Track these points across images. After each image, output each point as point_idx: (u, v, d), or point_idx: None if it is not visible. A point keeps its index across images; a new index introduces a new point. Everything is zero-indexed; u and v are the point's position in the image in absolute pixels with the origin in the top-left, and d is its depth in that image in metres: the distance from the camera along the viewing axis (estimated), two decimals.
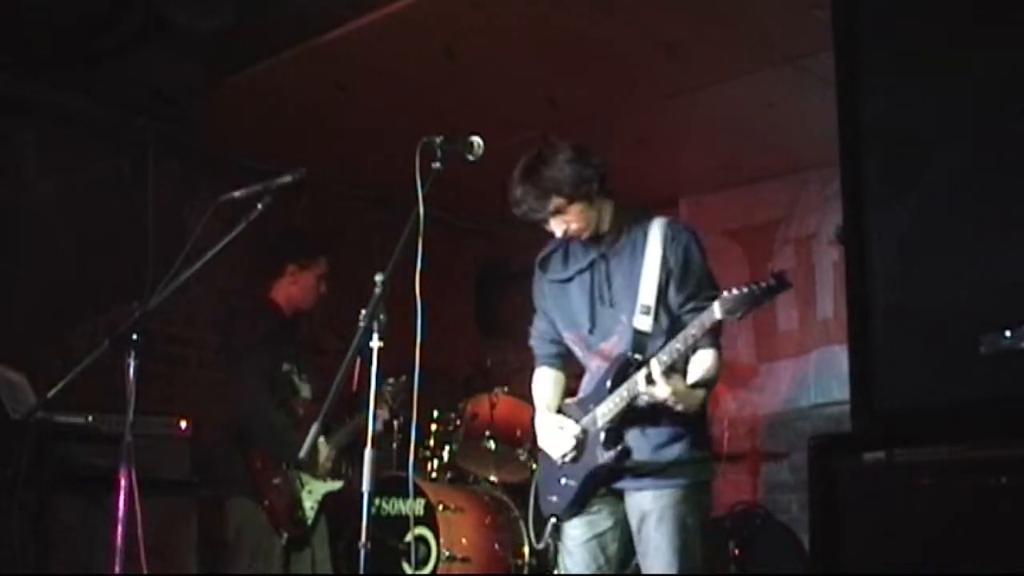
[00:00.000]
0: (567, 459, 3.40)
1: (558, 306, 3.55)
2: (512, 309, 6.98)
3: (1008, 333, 1.79)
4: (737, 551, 5.25)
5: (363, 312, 2.85)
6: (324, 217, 6.37)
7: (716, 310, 3.03)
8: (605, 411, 3.30)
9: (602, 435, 3.30)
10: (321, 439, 4.59)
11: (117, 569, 3.17)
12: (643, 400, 3.22)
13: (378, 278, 2.87)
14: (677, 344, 3.12)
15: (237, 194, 3.33)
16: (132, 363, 3.23)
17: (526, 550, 4.92)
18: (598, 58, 4.89)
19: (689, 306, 3.27)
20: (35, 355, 4.82)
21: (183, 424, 4.63)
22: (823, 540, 2.01)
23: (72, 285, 5.37)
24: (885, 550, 1.91)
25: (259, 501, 4.47)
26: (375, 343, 2.84)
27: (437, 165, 3.00)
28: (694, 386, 3.27)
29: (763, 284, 2.99)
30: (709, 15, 4.46)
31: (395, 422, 5.02)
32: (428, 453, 5.35)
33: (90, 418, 4.23)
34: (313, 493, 4.56)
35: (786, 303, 6.22)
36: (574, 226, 3.38)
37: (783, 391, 6.19)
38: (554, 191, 3.32)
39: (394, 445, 5.14)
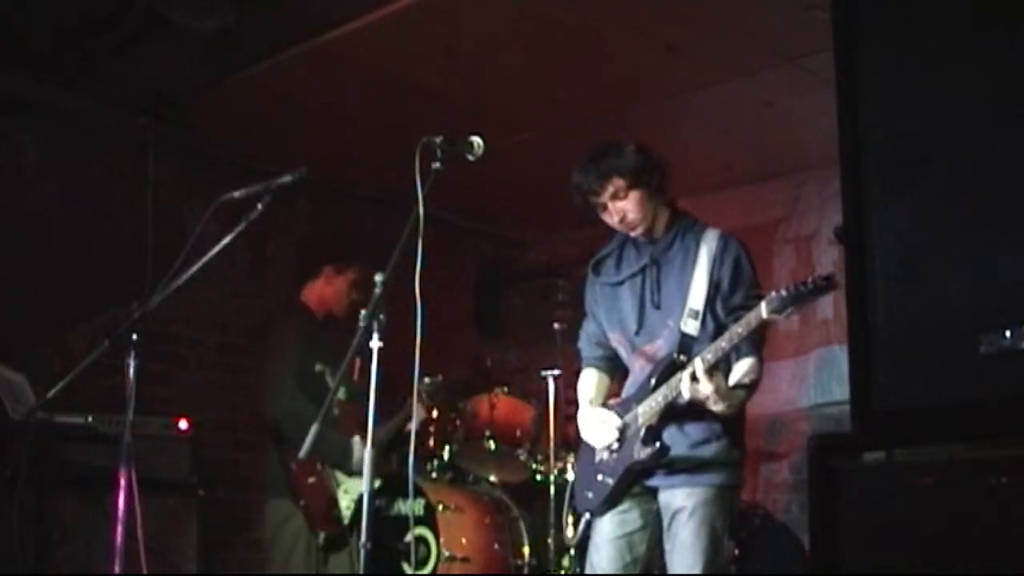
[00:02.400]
0: (610, 450, 3.46)
1: (608, 308, 3.61)
2: (512, 309, 7.00)
3: (1008, 333, 1.79)
4: (737, 551, 5.25)
5: (363, 312, 2.86)
6: (324, 217, 6.37)
7: (763, 309, 3.08)
8: (646, 409, 3.35)
9: (642, 432, 3.36)
10: (356, 439, 4.61)
11: (117, 569, 3.17)
12: (684, 398, 3.27)
13: (378, 278, 2.88)
14: (722, 343, 3.18)
15: (237, 194, 3.33)
16: (132, 363, 3.23)
17: (526, 550, 4.92)
18: (598, 58, 4.89)
19: (737, 314, 3.30)
20: (35, 355, 4.82)
21: (183, 424, 4.63)
22: (823, 540, 2.02)
23: (72, 285, 5.37)
24: (885, 550, 1.91)
25: (295, 501, 4.48)
26: (375, 343, 2.85)
27: (437, 165, 3.00)
28: (735, 388, 3.31)
29: (810, 284, 3.03)
30: (709, 15, 4.46)
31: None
32: (428, 453, 5.35)
33: (90, 418, 4.24)
34: (349, 492, 4.57)
35: None
36: (631, 215, 3.45)
37: (783, 391, 6.18)
38: (615, 173, 3.41)
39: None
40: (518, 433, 5.24)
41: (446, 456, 5.32)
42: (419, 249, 2.90)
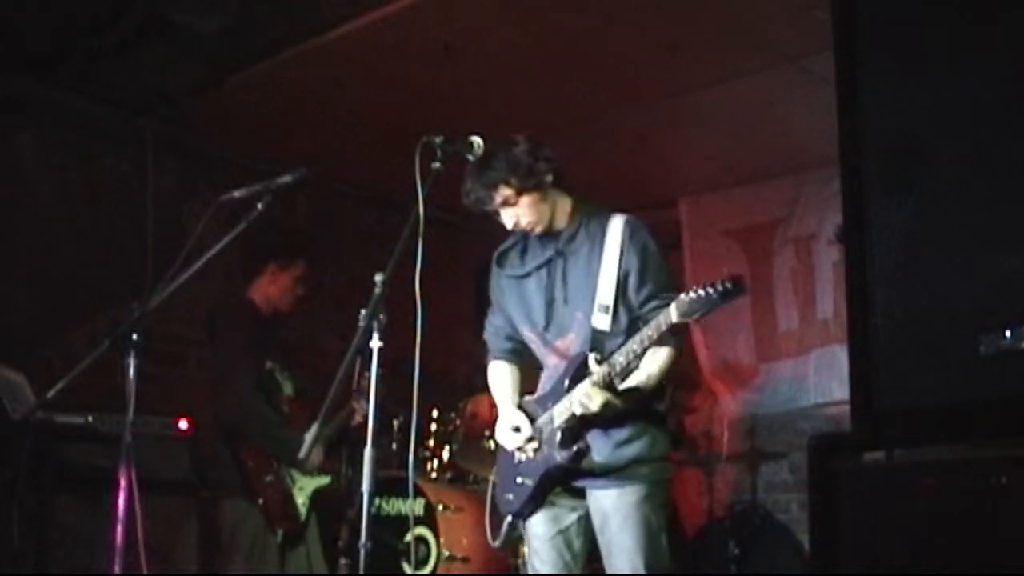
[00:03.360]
0: (523, 459, 3.41)
1: (515, 302, 3.55)
2: None
3: (1008, 333, 1.79)
4: (737, 551, 5.26)
5: (363, 312, 2.86)
6: (324, 217, 6.38)
7: (672, 313, 2.99)
8: (562, 410, 3.28)
9: (558, 435, 3.28)
10: (308, 435, 4.60)
11: (117, 569, 3.17)
12: (577, 413, 3.21)
13: (378, 278, 2.87)
14: (633, 345, 3.11)
15: (237, 194, 3.33)
16: (132, 363, 3.23)
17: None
18: (598, 58, 4.89)
19: (650, 305, 3.25)
20: (35, 355, 4.82)
21: (183, 424, 4.63)
22: (823, 540, 2.01)
23: (72, 285, 5.37)
24: (885, 550, 1.91)
25: (253, 500, 4.47)
26: (375, 343, 2.84)
27: (437, 165, 3.00)
28: (637, 387, 3.24)
29: (719, 287, 2.93)
30: (709, 15, 4.46)
31: (394, 421, 5.03)
32: (428, 453, 5.35)
33: (90, 418, 4.23)
34: (304, 489, 4.58)
35: (786, 303, 6.22)
36: (524, 219, 3.38)
37: (783, 391, 6.18)
38: (502, 182, 3.31)
39: (393, 445, 5.14)
40: None
41: (446, 456, 5.32)
42: (419, 249, 2.90)
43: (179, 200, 5.72)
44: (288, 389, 4.72)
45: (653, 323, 3.07)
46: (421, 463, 5.28)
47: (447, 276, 6.65)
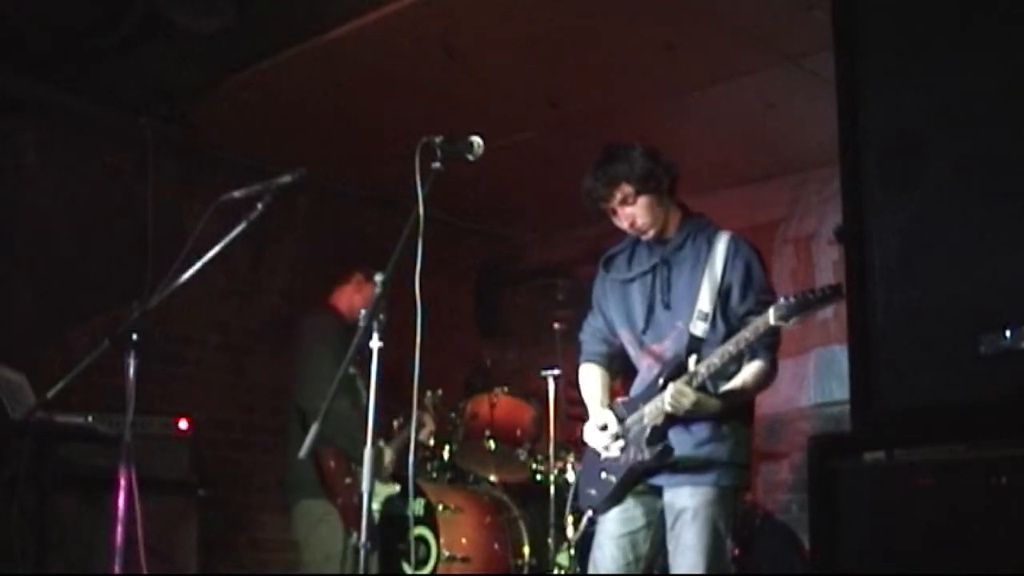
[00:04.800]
0: (610, 456, 3.48)
1: (617, 305, 3.63)
2: (512, 309, 7.00)
3: (1008, 333, 1.79)
4: (737, 551, 5.25)
5: (363, 312, 2.86)
6: (324, 217, 6.38)
7: (771, 316, 3.13)
8: (652, 409, 3.37)
9: (647, 432, 3.37)
10: (382, 443, 4.63)
11: (117, 569, 3.17)
12: (667, 410, 3.31)
13: (378, 278, 2.88)
14: (729, 347, 3.23)
15: (237, 194, 3.33)
16: (132, 363, 3.23)
17: (526, 550, 4.93)
18: (598, 58, 4.89)
19: (746, 319, 3.34)
20: (35, 355, 4.82)
21: (183, 424, 4.64)
22: (823, 540, 2.02)
23: (72, 285, 5.37)
24: (885, 550, 1.91)
25: (332, 500, 4.49)
26: (375, 343, 2.85)
27: (437, 165, 3.01)
28: (730, 392, 3.35)
29: (818, 292, 3.09)
30: (709, 15, 4.46)
31: (395, 422, 5.04)
32: (428, 453, 5.35)
33: (90, 418, 4.24)
34: (378, 495, 4.60)
35: None
36: (640, 220, 3.49)
37: (783, 391, 6.17)
38: (623, 180, 3.46)
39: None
40: (518, 433, 5.24)
41: (446, 456, 5.33)
42: (419, 249, 2.90)
43: (179, 200, 5.72)
44: (365, 396, 4.74)
45: (751, 325, 3.20)
46: (421, 463, 5.28)
47: (447, 276, 6.65)
